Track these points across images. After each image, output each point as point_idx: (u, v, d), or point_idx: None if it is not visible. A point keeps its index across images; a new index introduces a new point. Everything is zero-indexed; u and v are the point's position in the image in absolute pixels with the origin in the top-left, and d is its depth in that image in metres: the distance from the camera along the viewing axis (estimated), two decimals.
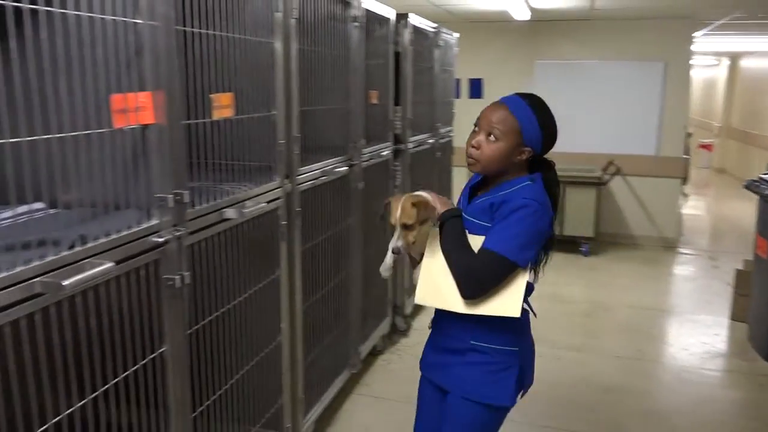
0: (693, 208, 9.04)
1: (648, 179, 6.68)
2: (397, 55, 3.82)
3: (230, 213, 1.88)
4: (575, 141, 6.72)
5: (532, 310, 1.83)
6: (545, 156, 1.78)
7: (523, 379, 1.78)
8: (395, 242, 1.71)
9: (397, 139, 3.89)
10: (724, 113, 12.45)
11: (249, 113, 2.16)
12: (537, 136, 1.68)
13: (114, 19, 1.41)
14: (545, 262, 1.80)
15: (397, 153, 3.89)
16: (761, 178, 4.08)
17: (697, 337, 4.40)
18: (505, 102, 1.72)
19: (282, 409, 2.45)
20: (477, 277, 1.64)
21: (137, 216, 1.53)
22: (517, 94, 1.73)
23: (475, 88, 7.11)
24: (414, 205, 1.70)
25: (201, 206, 1.76)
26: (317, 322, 2.85)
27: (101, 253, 1.38)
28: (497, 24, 6.81)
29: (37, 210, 1.56)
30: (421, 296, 1.75)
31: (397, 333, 4.17)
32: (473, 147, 1.72)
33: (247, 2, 2.08)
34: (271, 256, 2.27)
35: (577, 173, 6.20)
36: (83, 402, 1.39)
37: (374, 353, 3.85)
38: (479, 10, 5.99)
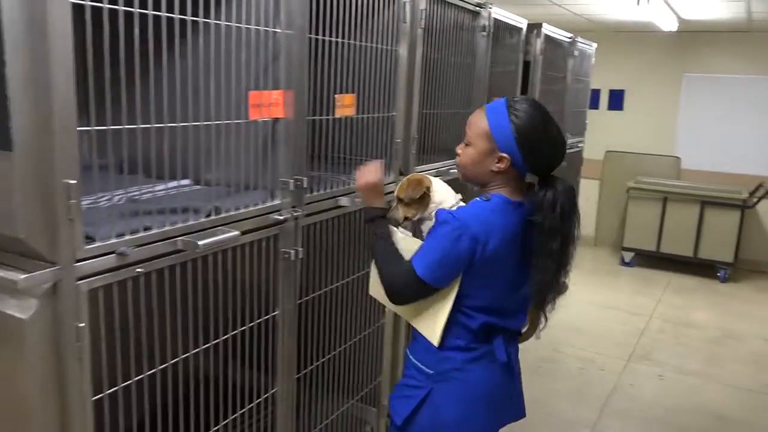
0: None
1: None
2: (527, 64, 3.89)
3: (344, 201, 2.10)
4: (723, 160, 6.34)
5: (507, 355, 1.69)
6: (554, 173, 1.63)
7: (438, 413, 1.66)
8: (391, 212, 1.80)
9: None
10: None
11: (371, 113, 2.39)
12: (510, 142, 1.55)
13: (257, 29, 1.68)
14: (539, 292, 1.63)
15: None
16: None
17: None
18: (486, 106, 1.64)
19: (380, 387, 2.65)
20: (393, 288, 1.61)
21: (263, 196, 1.80)
22: (510, 98, 1.62)
23: (616, 100, 6.91)
24: (410, 182, 1.79)
25: (318, 192, 2.00)
26: None
27: (231, 223, 1.65)
28: (642, 34, 6.58)
29: (184, 185, 1.88)
30: (371, 288, 1.77)
31: None
32: (457, 154, 1.69)
33: (377, 14, 2.30)
34: None
35: (717, 193, 5.85)
36: (206, 346, 1.67)
37: None
38: (622, 20, 5.84)
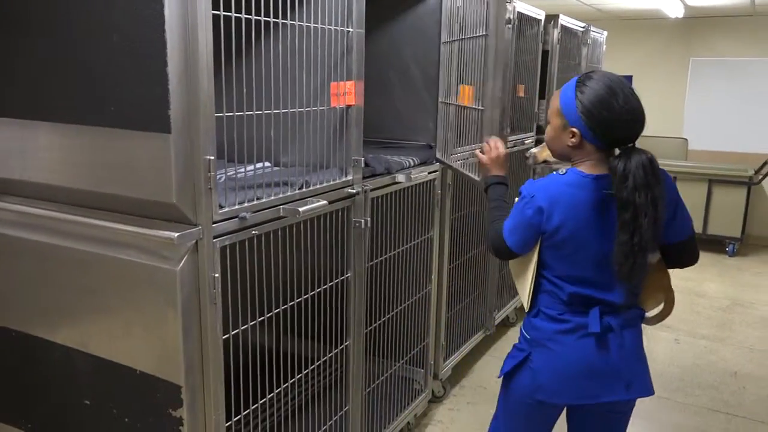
0: None
1: None
2: (545, 53, 4.16)
3: (400, 177, 2.39)
4: (729, 140, 6.61)
5: (603, 325, 1.70)
6: (635, 145, 1.64)
7: (537, 377, 1.75)
8: (535, 149, 2.05)
9: (540, 130, 4.24)
10: None
11: (414, 102, 2.68)
12: (576, 116, 1.63)
13: (333, 28, 1.97)
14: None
15: (539, 143, 4.24)
16: None
17: None
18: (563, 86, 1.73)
19: (427, 349, 2.95)
20: (490, 245, 1.82)
21: (337, 173, 2.09)
22: (583, 74, 1.68)
23: None
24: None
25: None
26: (459, 283, 3.32)
27: (316, 195, 1.94)
28: (649, 21, 6.83)
29: (266, 167, 2.17)
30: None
31: None
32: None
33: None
34: (427, 219, 2.77)
35: (724, 172, 6.12)
36: (297, 300, 1.97)
37: (507, 324, 4.25)
38: (630, 9, 6.10)
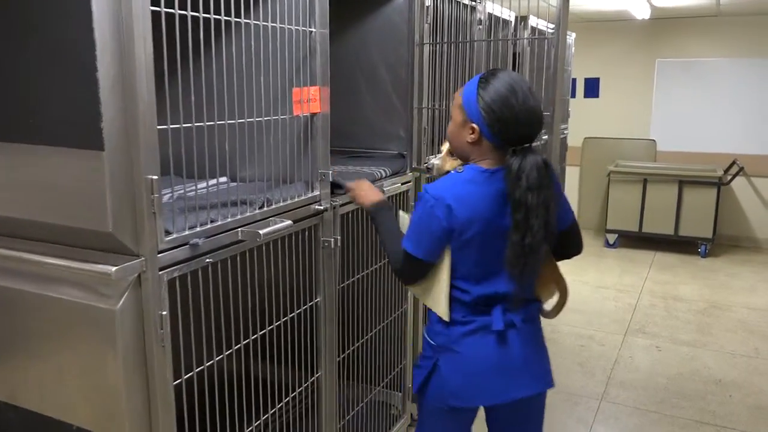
0: None
1: None
2: (515, 55, 4.03)
3: None
4: (697, 140, 6.59)
5: (506, 322, 1.71)
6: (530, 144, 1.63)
7: (446, 383, 1.73)
8: (435, 159, 1.96)
9: None
10: None
11: (384, 107, 2.49)
12: (476, 112, 1.61)
13: (294, 28, 1.77)
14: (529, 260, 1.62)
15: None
16: None
17: None
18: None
19: (404, 371, 2.76)
20: (395, 268, 1.73)
21: (302, 188, 1.88)
22: (487, 71, 1.68)
23: (591, 88, 7.12)
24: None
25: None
26: None
27: (280, 214, 1.74)
28: (616, 23, 6.79)
29: (223, 183, 1.95)
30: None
31: None
32: None
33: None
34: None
35: (695, 172, 6.09)
36: (261, 332, 1.76)
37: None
38: (597, 10, 6.03)
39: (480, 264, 1.68)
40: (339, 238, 1.99)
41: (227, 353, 1.63)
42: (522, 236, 1.58)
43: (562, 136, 5.21)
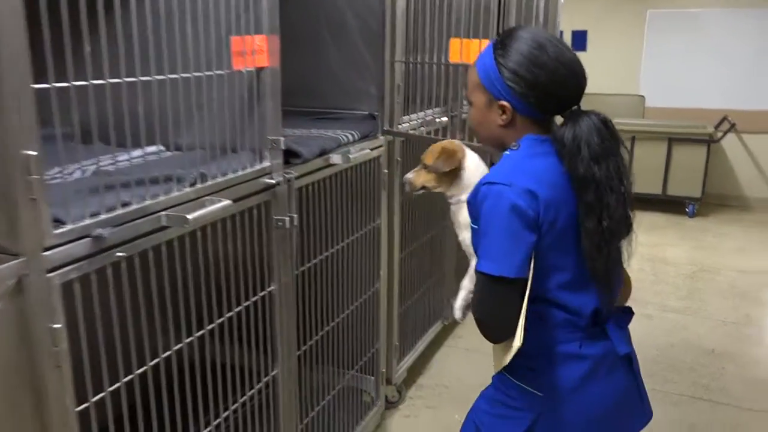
0: None
1: (765, 136, 6.18)
2: (500, 3, 3.68)
3: (336, 158, 1.90)
4: (688, 96, 6.32)
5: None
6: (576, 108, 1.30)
7: None
8: (409, 174, 1.66)
9: None
10: None
11: (352, 61, 2.16)
12: (501, 86, 1.27)
13: None
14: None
15: None
16: None
17: None
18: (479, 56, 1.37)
19: (378, 355, 2.51)
20: (478, 315, 1.26)
21: (250, 158, 1.57)
22: (497, 36, 1.35)
23: (579, 41, 6.77)
24: (443, 150, 1.61)
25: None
26: (413, 273, 2.87)
27: (219, 191, 1.43)
28: None
29: (154, 153, 1.63)
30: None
31: None
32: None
33: None
34: (373, 204, 2.29)
35: (684, 129, 5.83)
36: (200, 333, 1.47)
37: (468, 306, 3.85)
38: None
39: (581, 264, 1.27)
40: (296, 216, 1.69)
41: (154, 363, 1.34)
42: (598, 219, 1.24)
43: None
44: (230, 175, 1.46)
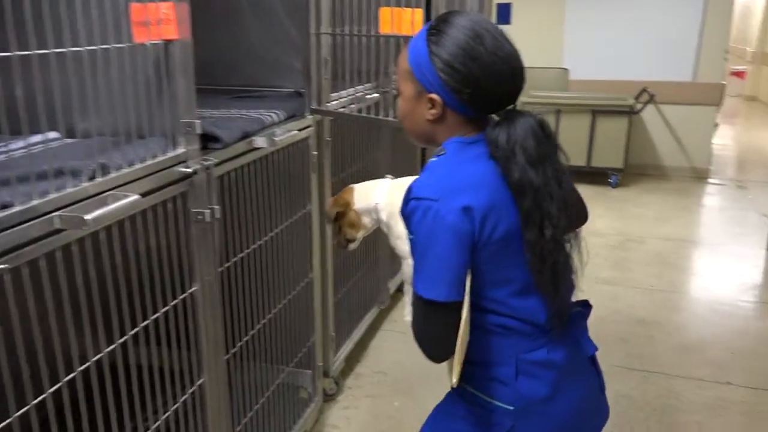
0: (723, 137, 8.72)
1: (682, 107, 6.37)
2: None
3: (260, 141, 1.72)
4: (610, 67, 6.42)
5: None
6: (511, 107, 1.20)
7: None
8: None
9: None
10: (760, 38, 11.87)
11: (274, 34, 1.98)
12: (433, 77, 1.15)
13: None
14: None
15: None
16: None
17: (732, 268, 4.26)
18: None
19: (314, 348, 2.37)
20: (416, 337, 1.18)
21: (162, 145, 1.38)
22: (435, 19, 1.22)
23: (503, 14, 6.74)
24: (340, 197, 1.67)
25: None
26: (347, 258, 2.74)
27: (125, 184, 1.24)
28: None
29: (53, 140, 1.41)
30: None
31: None
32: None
33: None
34: (302, 189, 2.12)
35: (606, 101, 5.93)
36: (112, 347, 1.28)
37: (402, 289, 3.76)
38: None
39: (518, 268, 1.18)
40: (217, 207, 1.51)
41: (54, 389, 1.15)
42: (539, 229, 1.14)
43: None
44: (138, 165, 1.27)
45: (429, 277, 1.12)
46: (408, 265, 1.52)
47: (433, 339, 1.16)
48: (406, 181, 1.65)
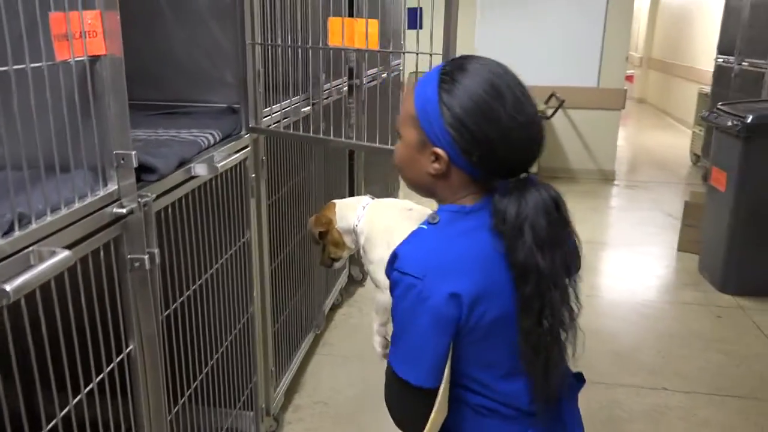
0: (619, 139, 9.16)
1: (588, 111, 6.61)
2: None
3: (199, 169, 1.50)
4: (521, 73, 6.53)
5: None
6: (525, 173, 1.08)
7: None
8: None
9: (351, 74, 3.50)
10: (646, 43, 12.64)
11: (203, 43, 1.76)
12: (441, 130, 1.03)
13: None
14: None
15: (351, 89, 3.51)
16: (719, 110, 4.02)
17: (648, 269, 4.41)
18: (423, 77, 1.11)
19: (256, 388, 2.15)
20: (386, 398, 1.11)
21: (90, 180, 1.14)
22: (451, 60, 1.11)
23: (413, 18, 6.70)
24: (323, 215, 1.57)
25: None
26: (284, 284, 2.53)
27: (49, 236, 1.00)
28: None
29: None
30: None
31: (354, 283, 3.91)
32: None
33: None
34: (241, 216, 1.90)
35: None
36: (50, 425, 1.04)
37: (333, 307, 3.58)
38: None
39: (515, 352, 1.08)
40: (157, 251, 1.28)
41: None
42: (538, 318, 1.03)
43: (397, 72, 4.74)
44: (63, 212, 1.03)
45: (404, 357, 1.03)
46: (380, 293, 1.40)
47: (405, 417, 1.08)
48: (387, 205, 1.53)
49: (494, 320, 1.03)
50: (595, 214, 5.66)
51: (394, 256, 1.04)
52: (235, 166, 1.79)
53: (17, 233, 0.93)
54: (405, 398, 1.05)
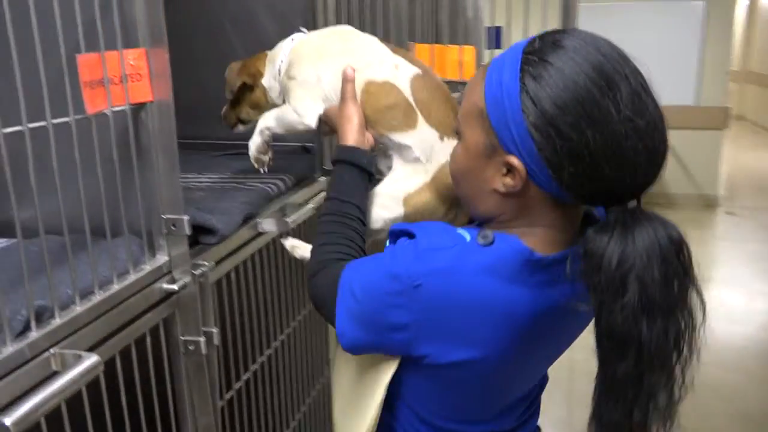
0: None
1: (686, 132, 6.09)
2: None
3: (267, 225, 1.29)
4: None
5: None
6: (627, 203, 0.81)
7: None
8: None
9: None
10: (742, 56, 11.82)
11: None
12: (514, 121, 0.75)
13: None
14: None
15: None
16: None
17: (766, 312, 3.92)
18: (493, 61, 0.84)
19: None
20: (311, 289, 1.00)
21: (134, 249, 0.94)
22: (537, 36, 0.80)
23: (493, 38, 6.44)
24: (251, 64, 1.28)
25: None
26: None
27: (75, 332, 0.79)
28: None
29: None
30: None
31: None
32: None
33: None
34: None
35: None
36: None
37: None
38: None
39: (491, 397, 0.92)
40: (215, 330, 1.06)
41: None
42: (630, 409, 0.75)
43: None
44: (97, 297, 0.82)
45: (355, 321, 0.88)
46: (289, 111, 1.20)
47: (318, 305, 0.98)
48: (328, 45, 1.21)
49: (483, 371, 0.85)
50: (698, 247, 5.14)
51: (411, 235, 0.85)
52: (312, 216, 1.57)
53: (35, 335, 0.73)
54: (331, 306, 0.91)
